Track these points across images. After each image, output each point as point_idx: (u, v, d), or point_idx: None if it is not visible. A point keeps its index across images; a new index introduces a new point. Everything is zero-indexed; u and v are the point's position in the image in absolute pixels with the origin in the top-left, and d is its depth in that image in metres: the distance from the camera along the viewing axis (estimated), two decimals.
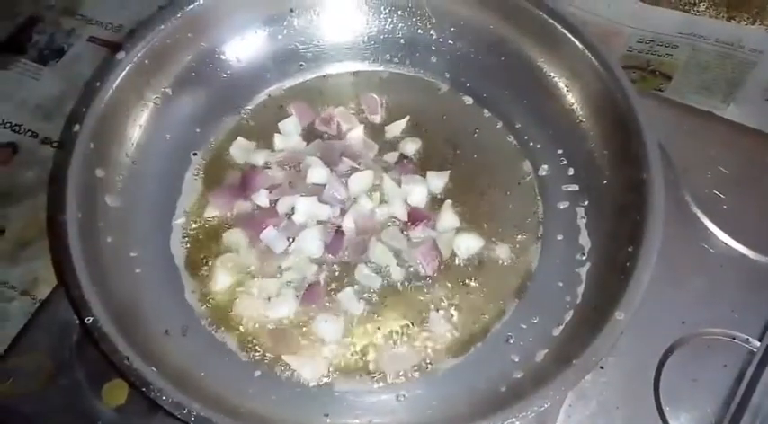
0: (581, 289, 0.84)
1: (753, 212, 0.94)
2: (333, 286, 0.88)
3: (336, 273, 0.89)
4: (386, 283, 0.88)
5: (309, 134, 1.00)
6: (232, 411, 0.73)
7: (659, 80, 1.25)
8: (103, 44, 1.35)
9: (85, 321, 0.73)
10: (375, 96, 1.02)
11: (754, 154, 0.99)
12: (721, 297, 0.88)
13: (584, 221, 0.90)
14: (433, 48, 1.03)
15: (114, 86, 0.88)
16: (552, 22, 0.92)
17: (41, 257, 1.12)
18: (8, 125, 1.27)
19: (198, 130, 0.98)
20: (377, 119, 1.01)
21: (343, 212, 0.92)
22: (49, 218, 1.07)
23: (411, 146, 0.98)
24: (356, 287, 0.87)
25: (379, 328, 0.86)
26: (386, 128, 1.00)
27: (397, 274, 0.88)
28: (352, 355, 0.84)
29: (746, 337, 0.85)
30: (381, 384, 0.82)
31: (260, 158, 0.97)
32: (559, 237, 0.90)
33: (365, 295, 0.87)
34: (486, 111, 1.01)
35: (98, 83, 0.88)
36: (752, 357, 0.83)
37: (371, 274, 0.88)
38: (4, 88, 1.32)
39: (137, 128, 0.92)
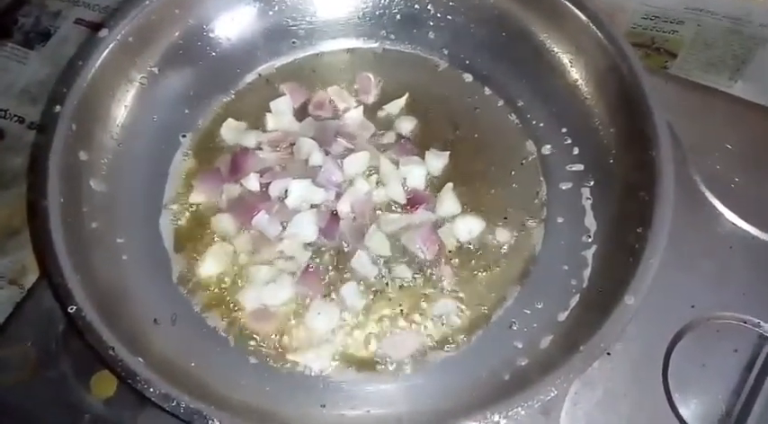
0: (587, 273, 0.82)
1: (762, 191, 0.92)
2: (330, 271, 0.86)
3: (333, 259, 0.87)
4: (384, 270, 0.86)
5: (302, 114, 0.97)
6: (223, 403, 0.70)
7: (664, 58, 1.22)
8: (90, 26, 1.33)
9: (68, 310, 0.71)
10: (369, 75, 1.00)
11: (762, 132, 0.97)
12: (731, 280, 0.86)
13: (590, 202, 0.87)
14: (431, 23, 1.00)
15: (97, 65, 0.85)
16: None
17: (29, 245, 1.10)
18: None
19: (186, 111, 0.96)
20: (369, 99, 0.98)
21: (338, 195, 0.89)
22: (30, 203, 1.05)
23: (407, 125, 0.96)
24: (359, 280, 0.85)
25: (378, 316, 0.84)
26: (384, 106, 0.97)
27: (395, 262, 0.86)
28: (350, 343, 0.82)
29: (758, 321, 0.83)
30: (381, 373, 0.80)
31: (251, 139, 0.94)
32: (564, 219, 0.88)
33: (363, 283, 0.85)
34: (486, 89, 0.99)
35: (80, 62, 0.85)
36: (764, 342, 0.82)
37: (369, 262, 0.86)
38: None
39: (122, 108, 0.90)
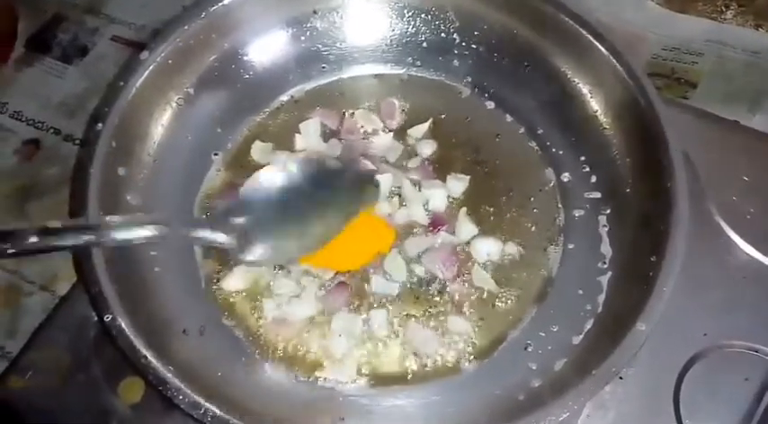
0: (602, 298, 0.83)
1: None
2: (353, 289, 0.88)
3: (356, 276, 0.89)
4: (403, 290, 0.88)
5: (330, 136, 1.00)
6: (247, 412, 0.73)
7: (684, 88, 1.23)
8: (126, 43, 1.37)
9: (104, 318, 0.74)
10: (394, 100, 1.02)
11: None
12: (744, 309, 0.87)
13: (606, 229, 0.88)
14: (456, 51, 1.02)
15: (137, 86, 0.88)
16: (577, 27, 0.90)
17: (61, 253, 1.13)
18: (32, 122, 1.29)
19: (219, 130, 0.98)
20: (393, 123, 1.00)
21: None
22: (71, 216, 1.08)
23: (427, 149, 0.97)
24: (379, 300, 0.87)
25: (396, 334, 0.85)
26: (408, 131, 0.99)
27: (414, 283, 0.88)
28: (371, 359, 0.84)
29: None
30: (399, 389, 0.82)
31: (279, 159, 0.95)
32: (580, 245, 0.89)
33: (384, 301, 0.87)
34: (508, 116, 1.00)
35: (121, 83, 0.88)
36: None
37: (387, 284, 0.88)
38: (29, 85, 1.34)
39: (159, 127, 0.92)
